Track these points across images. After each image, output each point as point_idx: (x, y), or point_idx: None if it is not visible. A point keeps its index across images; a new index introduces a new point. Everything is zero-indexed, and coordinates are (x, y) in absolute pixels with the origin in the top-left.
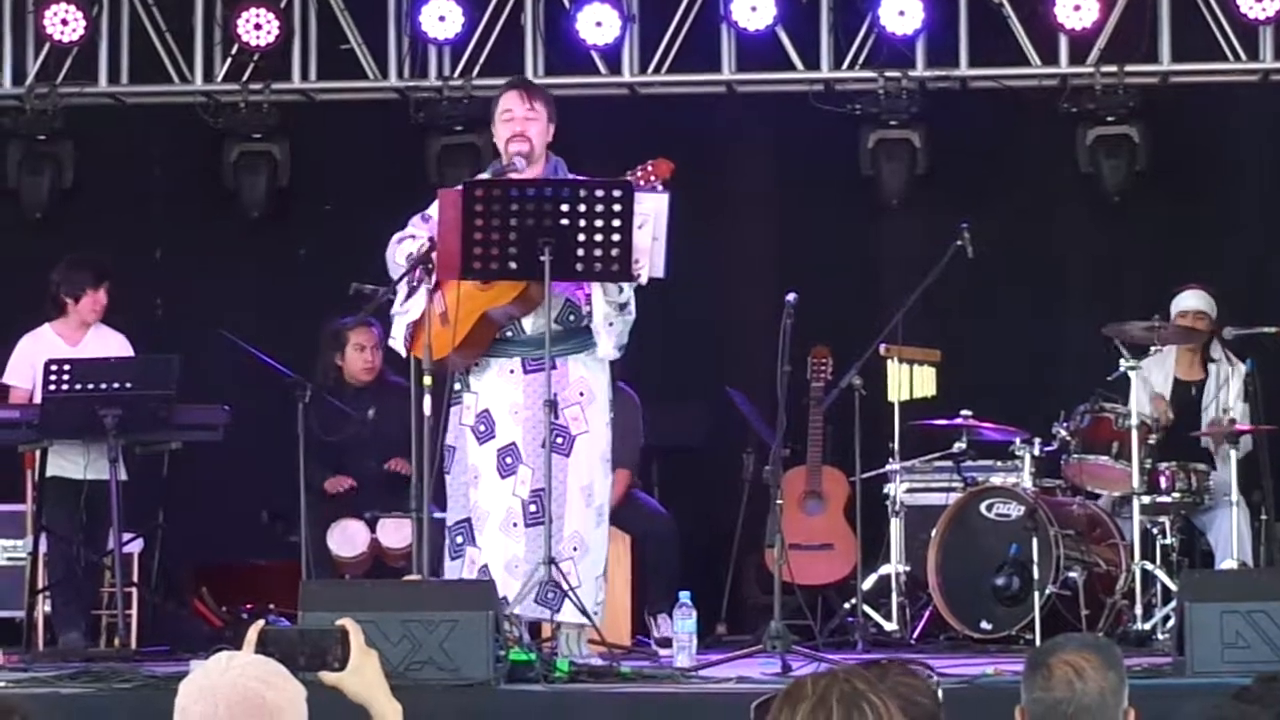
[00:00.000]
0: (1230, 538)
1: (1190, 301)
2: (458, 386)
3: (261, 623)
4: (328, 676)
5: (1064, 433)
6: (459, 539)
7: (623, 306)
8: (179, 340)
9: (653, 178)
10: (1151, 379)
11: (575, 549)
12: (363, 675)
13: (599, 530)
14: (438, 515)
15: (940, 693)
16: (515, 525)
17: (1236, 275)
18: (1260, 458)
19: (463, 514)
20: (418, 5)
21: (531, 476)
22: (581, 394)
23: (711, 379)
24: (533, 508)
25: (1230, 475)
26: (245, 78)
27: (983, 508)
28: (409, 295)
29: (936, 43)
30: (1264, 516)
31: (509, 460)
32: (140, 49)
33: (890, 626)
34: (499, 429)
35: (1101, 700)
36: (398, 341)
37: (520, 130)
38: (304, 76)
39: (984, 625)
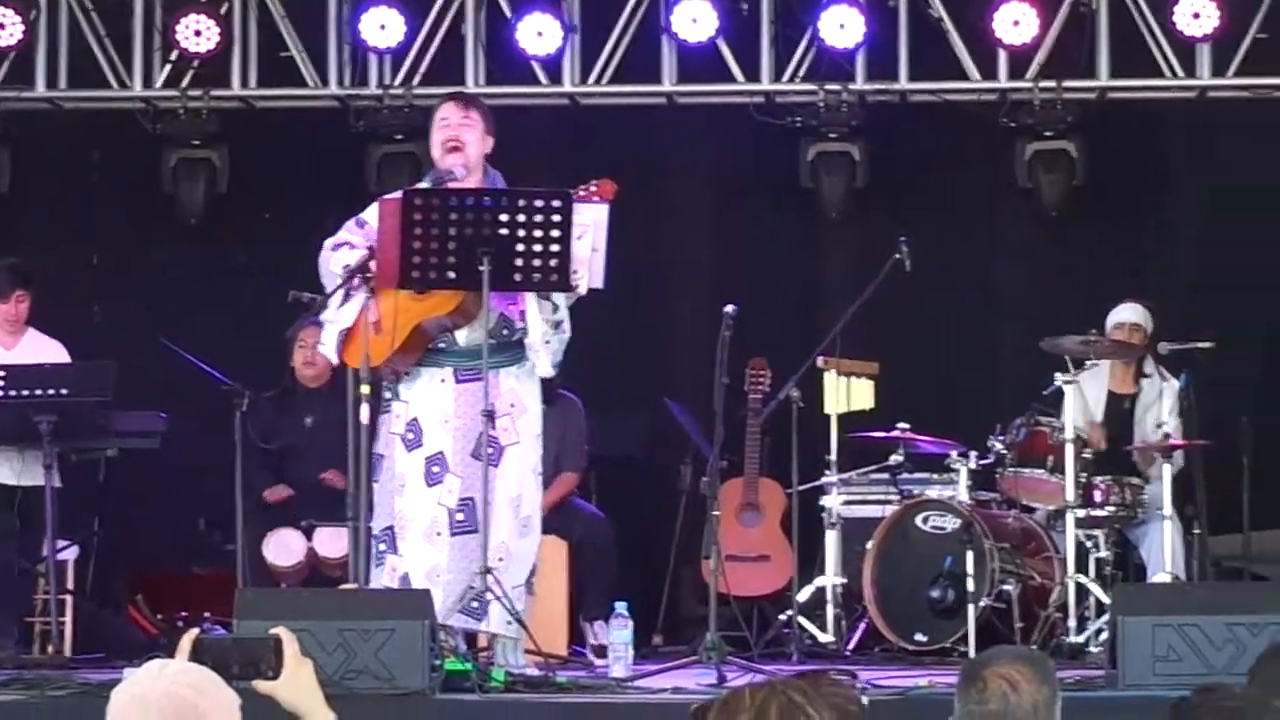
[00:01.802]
0: (1163, 552)
1: (1126, 315)
2: (388, 395)
3: (195, 631)
4: (261, 685)
5: (1000, 446)
6: (382, 547)
7: (558, 325)
8: (116, 346)
9: (595, 198)
10: (1086, 393)
11: (500, 559)
12: (297, 684)
13: (524, 541)
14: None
15: (866, 700)
16: (439, 534)
17: (1172, 290)
18: (1193, 472)
19: (387, 521)
20: (358, 13)
21: (460, 486)
22: (512, 405)
23: (650, 390)
24: (460, 516)
25: (1164, 489)
26: (184, 84)
27: (919, 520)
28: (343, 303)
29: (876, 56)
30: (1197, 530)
31: (436, 469)
32: (78, 54)
33: (825, 638)
34: (427, 438)
35: (1034, 713)
36: (328, 348)
37: (455, 135)
38: (244, 84)
39: (919, 637)
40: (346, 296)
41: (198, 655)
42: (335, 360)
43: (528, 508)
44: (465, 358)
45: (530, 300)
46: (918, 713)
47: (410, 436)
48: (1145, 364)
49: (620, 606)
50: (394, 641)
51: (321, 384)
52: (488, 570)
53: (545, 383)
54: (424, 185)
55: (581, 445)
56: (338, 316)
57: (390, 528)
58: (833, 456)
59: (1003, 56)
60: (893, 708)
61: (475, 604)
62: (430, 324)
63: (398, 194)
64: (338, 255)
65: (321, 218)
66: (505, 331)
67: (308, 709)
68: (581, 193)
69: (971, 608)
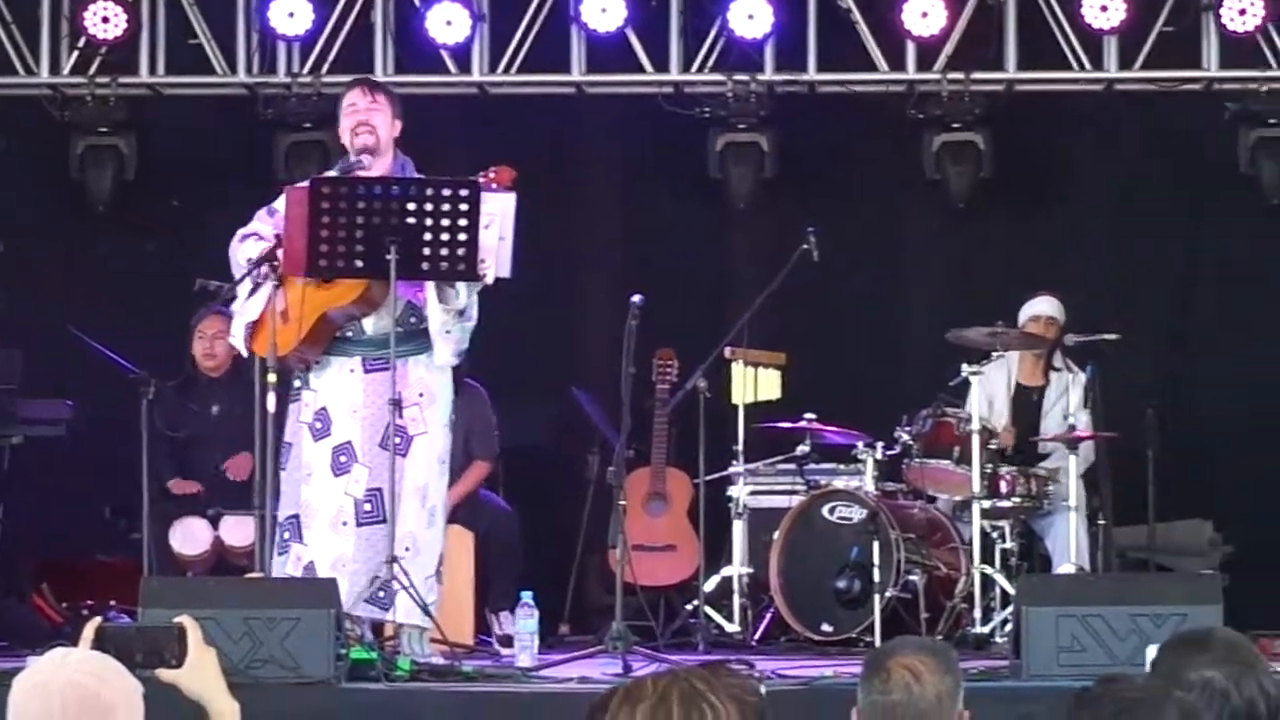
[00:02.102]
0: (1068, 543)
1: (1043, 308)
2: (297, 384)
3: (98, 619)
4: (164, 674)
5: (906, 437)
6: (286, 535)
7: (461, 313)
8: (23, 334)
9: (493, 185)
10: (993, 384)
11: (407, 549)
12: (200, 673)
13: (431, 531)
14: None
15: (764, 689)
16: (345, 524)
17: (1078, 282)
18: (1099, 464)
19: (293, 510)
20: (267, 1)
21: (367, 476)
22: (421, 395)
23: (557, 379)
24: (367, 507)
25: (1069, 481)
26: (92, 71)
27: (825, 510)
28: (251, 294)
29: (785, 47)
30: (1101, 522)
31: (343, 459)
32: None
33: (732, 628)
34: (335, 427)
35: (937, 703)
36: (237, 339)
37: (364, 119)
38: (152, 71)
39: (825, 627)
40: (255, 287)
41: (101, 644)
42: (244, 352)
43: (434, 497)
44: (373, 347)
45: (430, 289)
46: (822, 703)
47: (318, 426)
48: (1054, 357)
49: (526, 596)
50: (299, 630)
51: (222, 373)
52: (394, 560)
53: (453, 370)
54: (332, 173)
55: (491, 432)
56: (245, 308)
57: (295, 516)
58: (740, 447)
59: (911, 48)
60: (797, 698)
61: (381, 594)
62: (336, 313)
63: (305, 182)
64: (245, 247)
65: (229, 205)
66: (413, 319)
67: (210, 698)
68: (481, 180)
69: (877, 598)
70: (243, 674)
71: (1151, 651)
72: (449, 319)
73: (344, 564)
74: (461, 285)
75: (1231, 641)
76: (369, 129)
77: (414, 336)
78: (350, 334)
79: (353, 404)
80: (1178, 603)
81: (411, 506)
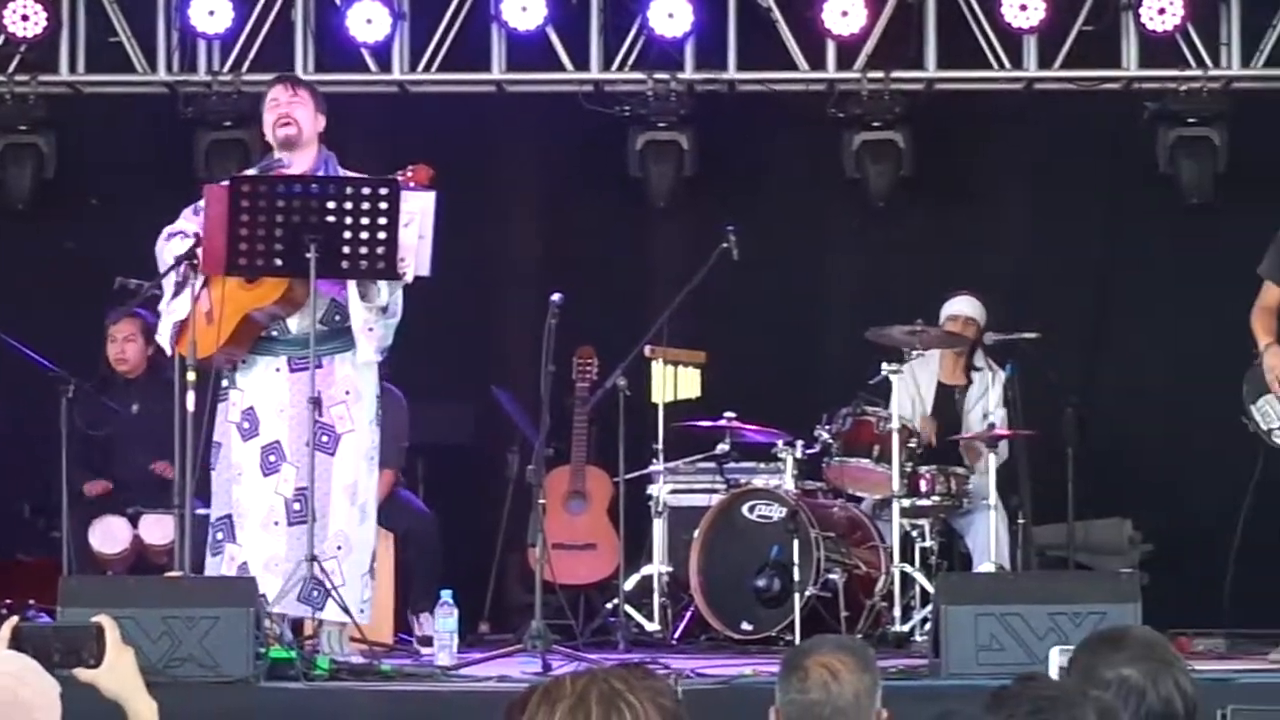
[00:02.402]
0: (988, 541)
1: (962, 307)
2: (225, 383)
3: (15, 619)
4: (82, 673)
5: (826, 435)
6: (219, 535)
7: (384, 309)
8: None
9: (412, 184)
10: (917, 381)
11: (339, 547)
12: (118, 672)
13: (363, 528)
14: (201, 511)
15: (680, 690)
16: (276, 524)
17: (998, 281)
18: (1018, 462)
19: (225, 510)
20: None
21: (295, 475)
22: (348, 392)
23: (477, 378)
24: (296, 506)
25: (989, 479)
26: (11, 69)
27: (745, 509)
28: (176, 293)
29: (705, 45)
30: (1021, 520)
31: (272, 459)
32: None
33: (652, 627)
34: (263, 427)
35: (855, 702)
36: (164, 338)
37: (286, 112)
38: (71, 69)
39: (745, 626)
40: (180, 286)
41: (18, 643)
42: (170, 351)
43: (363, 494)
44: (298, 346)
45: (350, 287)
46: (740, 701)
47: (246, 426)
48: (976, 356)
49: (446, 595)
50: (218, 629)
51: (138, 374)
52: (313, 558)
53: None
54: (252, 172)
55: (400, 443)
56: (172, 307)
57: (227, 516)
58: (659, 445)
59: (831, 47)
60: (716, 696)
61: (315, 593)
62: (259, 313)
63: (226, 181)
64: (171, 245)
65: (149, 204)
66: (338, 318)
67: (128, 697)
68: (400, 178)
69: (797, 597)
70: (161, 673)
71: (1054, 653)
72: (371, 316)
73: (276, 564)
74: (383, 283)
75: (1148, 640)
76: (290, 121)
77: (339, 334)
78: (275, 333)
79: (280, 403)
80: (1097, 601)
81: (341, 504)
